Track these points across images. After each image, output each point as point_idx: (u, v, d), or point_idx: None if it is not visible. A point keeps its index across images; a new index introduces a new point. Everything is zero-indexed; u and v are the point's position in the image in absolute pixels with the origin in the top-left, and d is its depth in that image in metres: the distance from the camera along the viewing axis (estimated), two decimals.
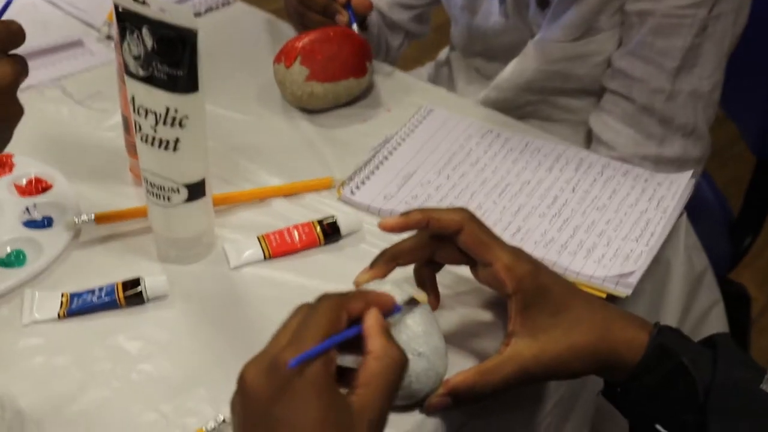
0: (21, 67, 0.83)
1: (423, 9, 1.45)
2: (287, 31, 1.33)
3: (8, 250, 0.97)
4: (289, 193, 1.05)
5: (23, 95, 1.18)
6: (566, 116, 1.32)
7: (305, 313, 0.70)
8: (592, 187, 1.04)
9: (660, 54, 1.18)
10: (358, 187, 1.04)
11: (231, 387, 0.67)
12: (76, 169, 1.08)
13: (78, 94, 1.20)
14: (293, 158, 1.11)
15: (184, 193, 0.93)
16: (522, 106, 1.32)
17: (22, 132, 1.13)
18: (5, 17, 0.85)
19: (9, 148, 1.08)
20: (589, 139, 1.28)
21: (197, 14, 1.38)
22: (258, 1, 1.45)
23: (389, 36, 1.45)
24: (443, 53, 1.54)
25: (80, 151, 1.12)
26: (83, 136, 1.14)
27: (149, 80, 0.88)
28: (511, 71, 1.30)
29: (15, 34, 0.82)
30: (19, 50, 1.23)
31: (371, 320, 0.71)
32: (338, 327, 0.69)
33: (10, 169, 1.07)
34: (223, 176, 1.07)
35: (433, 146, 1.11)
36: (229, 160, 1.10)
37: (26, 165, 1.07)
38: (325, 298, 0.71)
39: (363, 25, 1.35)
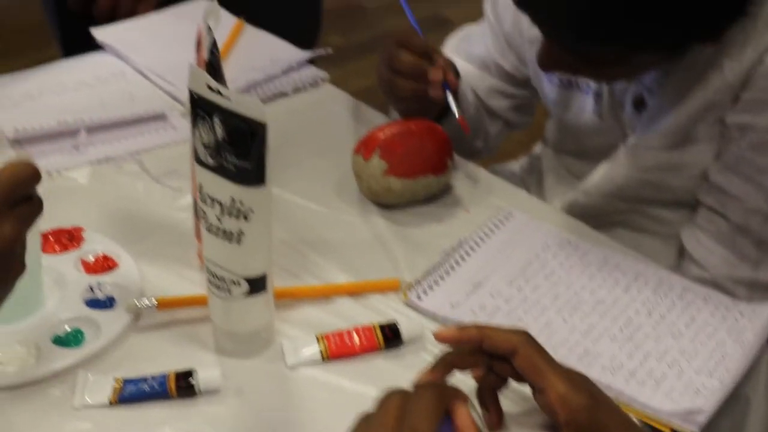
0: (26, 220, 0.81)
1: (523, 99, 1.45)
2: (373, 118, 1.36)
3: (67, 329, 1.00)
4: (354, 292, 1.06)
5: (101, 168, 1.25)
6: (658, 228, 1.31)
7: (403, 400, 0.73)
8: (669, 312, 1.03)
9: (759, 172, 1.17)
10: (425, 292, 1.05)
11: None
12: (144, 248, 1.11)
13: (155, 170, 1.24)
14: (363, 255, 1.12)
15: (245, 286, 0.95)
16: (611, 214, 1.31)
17: (94, 206, 1.18)
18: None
19: (81, 222, 1.13)
20: (682, 254, 1.27)
21: (283, 94, 1.41)
22: (348, 76, 1.48)
23: (487, 121, 1.45)
24: (538, 147, 1.55)
25: (150, 230, 1.15)
26: (155, 214, 1.18)
27: (217, 170, 0.91)
28: (601, 177, 1.30)
29: (25, 181, 0.80)
30: (103, 119, 1.30)
31: (467, 418, 0.73)
32: (440, 416, 0.72)
33: (79, 244, 1.11)
34: (289, 269, 1.09)
35: (508, 254, 1.11)
36: (297, 253, 1.12)
37: (95, 241, 1.11)
38: (427, 386, 0.75)
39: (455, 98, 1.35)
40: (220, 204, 0.92)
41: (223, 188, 0.91)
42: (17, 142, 1.26)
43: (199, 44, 1.02)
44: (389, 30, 2.90)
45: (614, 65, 1.13)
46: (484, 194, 1.23)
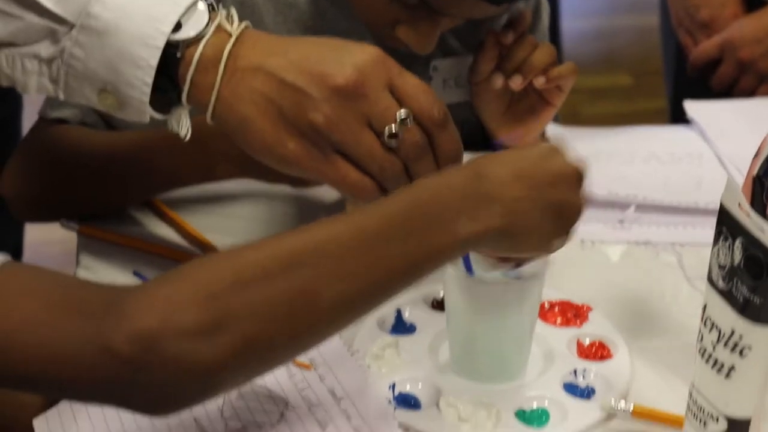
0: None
1: None
2: None
3: (534, 405, 1.07)
4: None
5: (637, 250, 1.30)
6: None
7: None
8: None
9: None
10: None
11: None
12: (645, 347, 1.15)
13: (691, 269, 1.27)
14: None
15: (723, 425, 0.95)
16: None
17: (613, 288, 1.24)
18: None
19: (592, 299, 1.19)
20: None
21: None
22: None
23: None
24: None
25: (660, 330, 1.19)
26: (670, 315, 1.21)
27: (725, 294, 0.92)
28: None
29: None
30: (657, 201, 1.34)
31: None
32: None
33: (581, 323, 1.17)
34: None
35: None
36: None
37: (598, 324, 1.17)
38: None
39: None
40: (719, 331, 0.93)
41: (725, 316, 0.92)
42: None
43: (758, 154, 1.03)
44: None
45: None
46: None
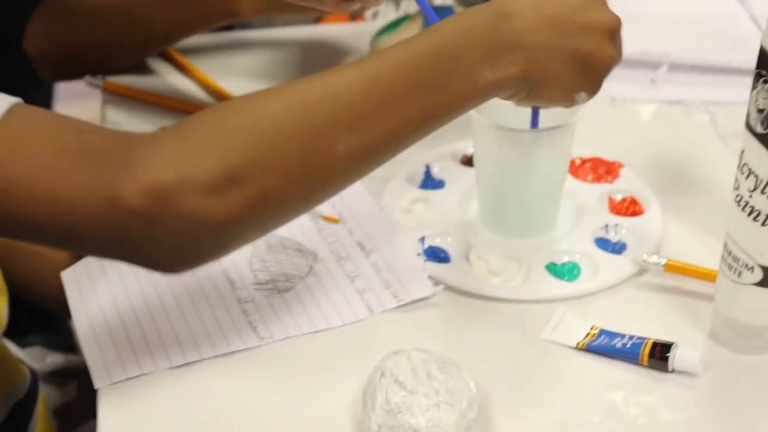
0: None
1: None
2: None
3: (565, 259, 1.07)
4: None
5: (669, 109, 1.28)
6: None
7: None
8: None
9: None
10: None
11: None
12: (677, 204, 1.14)
13: (724, 128, 1.25)
14: None
15: (758, 274, 0.94)
16: None
17: (645, 146, 1.22)
18: None
19: (624, 157, 1.18)
20: None
21: None
22: None
23: None
24: None
25: (691, 188, 1.18)
26: (703, 172, 1.20)
27: (763, 139, 0.91)
28: None
29: None
30: (690, 59, 1.32)
31: None
32: None
33: (613, 180, 1.16)
34: None
35: None
36: None
37: (630, 181, 1.16)
38: None
39: None
40: (756, 177, 0.92)
41: (764, 161, 0.91)
42: None
43: None
44: None
45: None
46: None
